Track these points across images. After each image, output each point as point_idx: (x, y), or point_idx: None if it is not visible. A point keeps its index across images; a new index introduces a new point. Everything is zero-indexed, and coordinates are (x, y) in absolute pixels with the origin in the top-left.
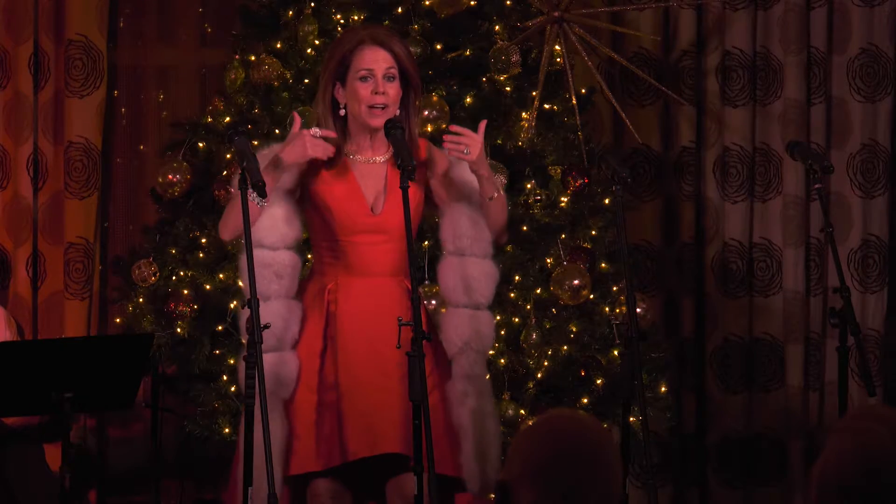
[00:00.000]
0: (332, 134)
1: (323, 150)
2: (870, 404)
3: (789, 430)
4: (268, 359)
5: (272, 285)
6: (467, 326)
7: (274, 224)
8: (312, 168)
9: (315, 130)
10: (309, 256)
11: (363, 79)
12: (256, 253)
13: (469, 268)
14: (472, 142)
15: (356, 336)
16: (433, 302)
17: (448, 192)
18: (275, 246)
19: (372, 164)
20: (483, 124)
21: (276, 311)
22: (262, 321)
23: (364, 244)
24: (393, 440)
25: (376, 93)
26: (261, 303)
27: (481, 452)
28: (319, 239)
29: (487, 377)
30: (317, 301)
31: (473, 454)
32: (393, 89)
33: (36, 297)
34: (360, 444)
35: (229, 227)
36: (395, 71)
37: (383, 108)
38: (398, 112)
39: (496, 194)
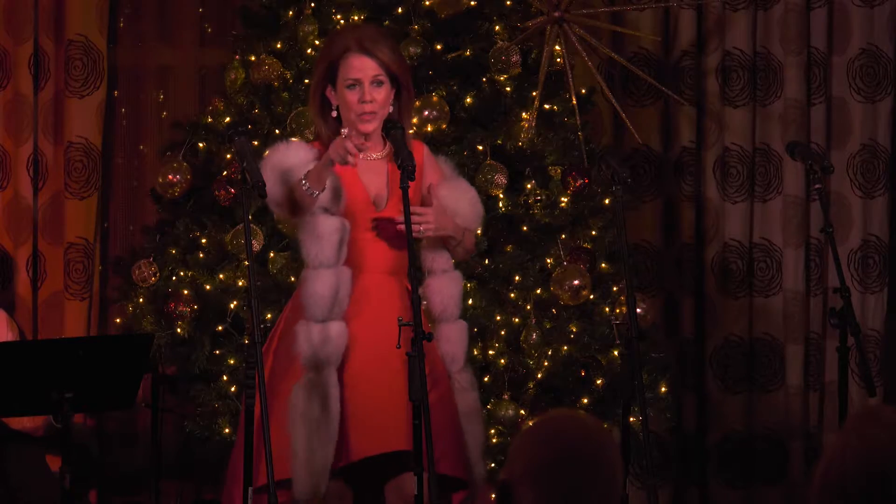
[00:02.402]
0: (355, 152)
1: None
2: (871, 405)
3: (789, 430)
4: (315, 328)
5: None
6: (464, 340)
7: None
8: None
9: (348, 141)
10: None
11: (350, 87)
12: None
13: (458, 282)
14: (425, 219)
15: (360, 334)
16: None
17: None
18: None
19: (372, 160)
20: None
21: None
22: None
23: (366, 240)
24: (402, 437)
25: (363, 101)
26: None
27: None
28: None
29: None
30: None
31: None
32: (381, 94)
33: (36, 298)
34: (367, 442)
35: (293, 215)
36: (382, 77)
37: (372, 115)
38: (390, 109)
39: (459, 237)
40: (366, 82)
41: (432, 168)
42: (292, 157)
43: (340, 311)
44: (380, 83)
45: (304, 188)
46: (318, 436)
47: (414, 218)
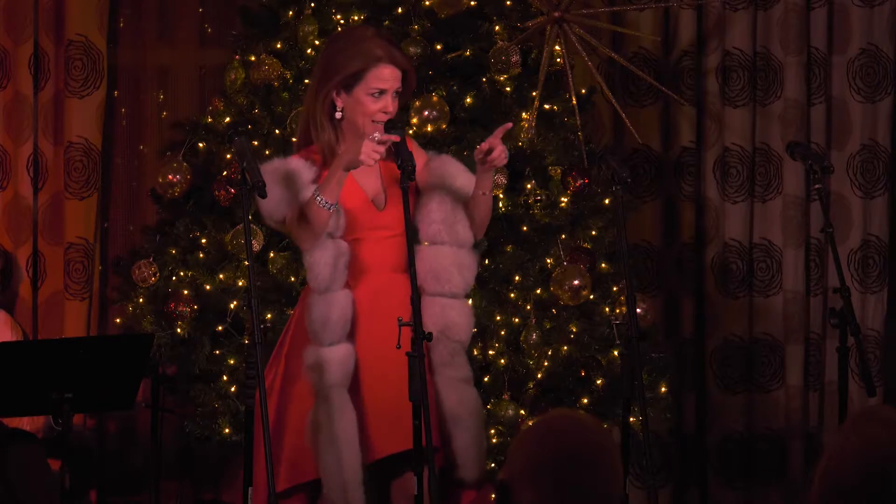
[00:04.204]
0: (394, 138)
1: (374, 158)
2: (871, 405)
3: (789, 430)
4: (320, 352)
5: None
6: (439, 315)
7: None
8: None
9: (376, 135)
10: None
11: (375, 94)
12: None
13: (439, 257)
14: (503, 146)
15: (371, 333)
16: None
17: (425, 182)
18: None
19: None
20: (507, 125)
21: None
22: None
23: (369, 240)
24: (410, 437)
25: (385, 112)
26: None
27: (477, 441)
28: None
29: (466, 366)
30: None
31: (470, 443)
32: (396, 104)
33: (36, 298)
34: (388, 441)
35: (308, 239)
36: (401, 87)
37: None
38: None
39: (489, 191)
40: (390, 92)
41: (419, 153)
42: (293, 178)
43: (344, 333)
44: (398, 93)
45: (318, 204)
46: (342, 453)
47: (499, 151)
